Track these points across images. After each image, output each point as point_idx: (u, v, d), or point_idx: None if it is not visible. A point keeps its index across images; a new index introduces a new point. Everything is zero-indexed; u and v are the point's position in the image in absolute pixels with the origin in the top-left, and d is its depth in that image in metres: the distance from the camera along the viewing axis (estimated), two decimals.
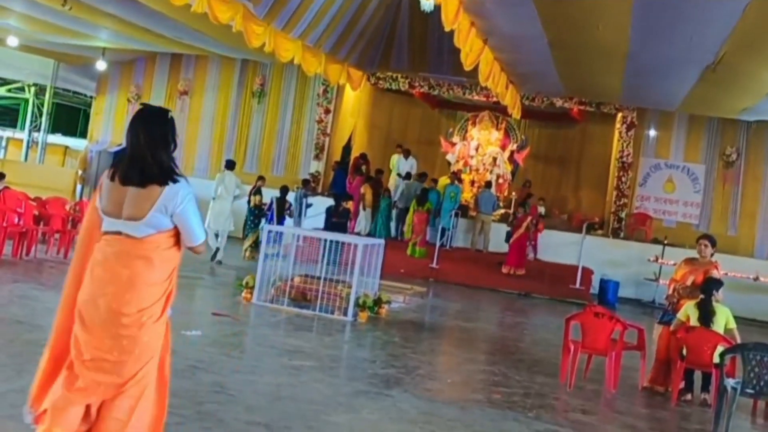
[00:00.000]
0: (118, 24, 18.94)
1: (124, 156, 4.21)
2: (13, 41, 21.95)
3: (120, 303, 4.05)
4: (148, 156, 4.10)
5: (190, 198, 4.21)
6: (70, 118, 32.16)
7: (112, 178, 4.19)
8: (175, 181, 4.13)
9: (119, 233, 4.13)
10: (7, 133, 33.63)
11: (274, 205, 18.62)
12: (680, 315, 9.28)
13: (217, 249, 17.11)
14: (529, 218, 19.61)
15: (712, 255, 9.86)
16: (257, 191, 18.87)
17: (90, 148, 26.68)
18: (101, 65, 24.54)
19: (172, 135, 4.24)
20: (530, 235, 19.95)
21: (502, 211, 22.35)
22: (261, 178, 19.44)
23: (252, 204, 18.60)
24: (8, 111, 33.52)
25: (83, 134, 28.39)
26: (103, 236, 4.19)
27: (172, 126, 4.27)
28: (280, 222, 18.10)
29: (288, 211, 18.93)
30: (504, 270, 19.37)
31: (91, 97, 27.29)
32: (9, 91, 30.83)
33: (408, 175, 22.37)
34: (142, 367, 4.17)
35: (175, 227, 4.21)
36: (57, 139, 31.48)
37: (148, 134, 4.15)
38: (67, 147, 32.00)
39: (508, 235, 19.84)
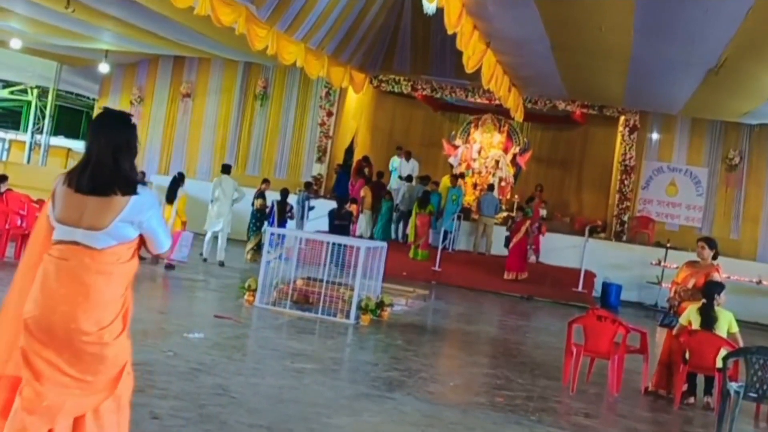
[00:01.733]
0: (121, 26, 18.96)
1: (83, 161, 3.93)
2: (16, 43, 21.99)
3: (79, 322, 3.72)
4: (110, 163, 3.84)
5: (157, 207, 4.03)
6: (73, 120, 32.24)
7: (69, 185, 3.88)
8: (137, 192, 3.87)
9: (75, 243, 3.80)
10: (10, 135, 33.69)
11: (275, 208, 18.64)
12: (682, 319, 9.26)
13: (215, 251, 17.26)
14: (528, 222, 19.50)
15: (715, 258, 9.85)
16: (260, 195, 18.93)
17: None
18: (104, 67, 24.56)
19: (134, 141, 3.99)
20: (530, 239, 19.85)
21: (505, 214, 22.32)
22: (265, 181, 19.50)
23: (255, 207, 18.75)
24: (11, 113, 33.57)
25: (85, 137, 28.43)
26: (54, 246, 3.84)
27: (135, 132, 4.03)
28: (281, 225, 18.11)
29: (289, 214, 18.94)
30: (506, 276, 19.29)
31: (93, 100, 27.36)
32: (12, 93, 30.91)
33: (409, 178, 22.36)
34: (115, 379, 3.88)
35: (137, 238, 3.96)
36: (59, 141, 31.53)
37: (111, 140, 3.88)
38: (69, 149, 32.10)
39: (507, 240, 19.80)
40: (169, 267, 15.32)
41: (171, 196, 16.01)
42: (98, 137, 3.92)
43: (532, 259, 20.14)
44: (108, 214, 3.80)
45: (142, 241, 4.02)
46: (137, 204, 3.85)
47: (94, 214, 3.80)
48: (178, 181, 16.25)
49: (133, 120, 4.09)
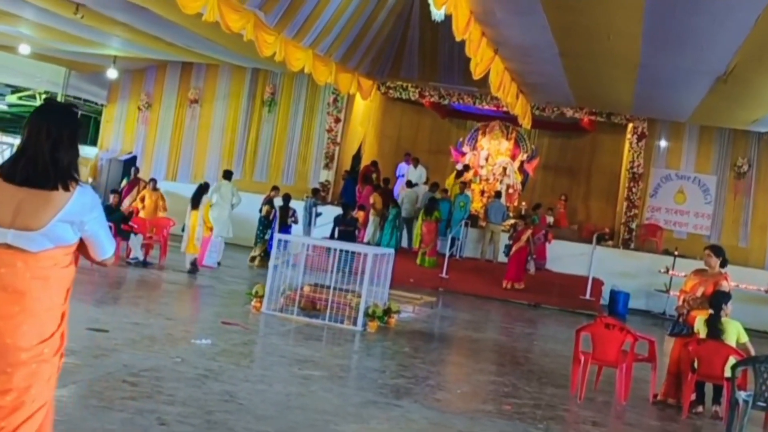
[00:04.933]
0: (130, 32, 19.00)
1: (17, 152, 3.52)
2: (24, 49, 22.04)
3: (15, 336, 3.31)
4: (48, 155, 3.44)
5: (100, 208, 3.61)
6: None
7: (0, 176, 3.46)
8: (77, 188, 3.47)
9: (6, 246, 3.34)
10: (18, 140, 33.72)
11: (278, 213, 18.70)
12: (696, 330, 9.22)
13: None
14: (529, 231, 19.40)
15: (723, 266, 9.79)
16: (268, 201, 18.98)
17: (100, 156, 26.76)
18: (112, 73, 24.60)
19: (76, 137, 3.59)
20: (531, 249, 19.70)
21: (512, 221, 22.27)
22: (275, 188, 19.60)
23: (262, 214, 18.81)
24: (19, 119, 33.55)
25: (93, 142, 28.45)
26: None
27: (78, 127, 3.64)
28: (284, 230, 18.12)
29: (292, 218, 18.98)
30: (504, 285, 19.22)
31: (101, 105, 27.35)
32: (20, 99, 30.91)
33: (409, 183, 22.34)
34: (35, 412, 3.42)
35: (76, 243, 3.54)
36: None
37: (50, 132, 3.47)
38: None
39: (508, 248, 19.74)
40: (193, 270, 15.63)
41: (196, 203, 16.05)
42: (37, 128, 3.50)
43: (532, 270, 19.86)
44: (46, 211, 3.38)
45: (81, 248, 3.62)
46: (79, 202, 3.46)
47: (29, 212, 3.37)
48: (203, 188, 16.30)
49: (78, 114, 3.70)
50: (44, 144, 3.45)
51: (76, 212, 3.44)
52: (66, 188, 3.42)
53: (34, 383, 3.37)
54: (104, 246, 3.65)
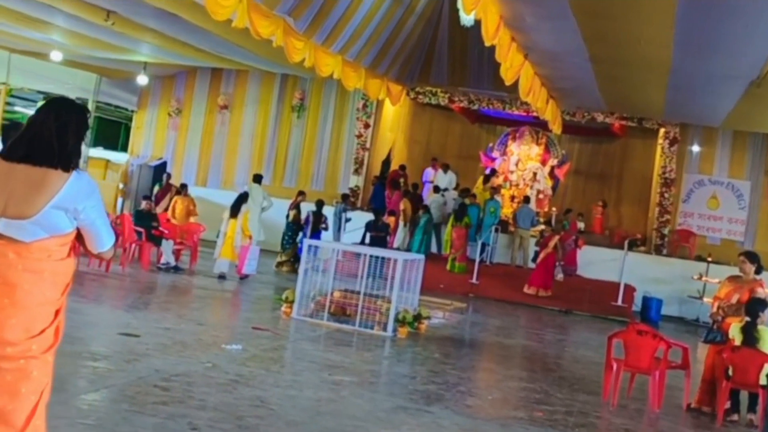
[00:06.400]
0: (160, 39, 19.10)
1: (20, 133, 3.41)
2: (56, 56, 22.21)
3: (2, 330, 3.20)
4: (53, 134, 3.33)
5: (98, 196, 3.45)
6: (112, 131, 32.49)
7: None
8: (75, 171, 3.36)
9: None
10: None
11: (310, 219, 18.71)
12: (731, 337, 9.10)
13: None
14: (557, 237, 19.24)
15: (758, 272, 9.66)
16: (295, 206, 18.99)
17: (131, 162, 26.93)
18: (142, 80, 24.73)
19: (84, 127, 3.48)
20: (559, 255, 19.59)
21: (542, 227, 22.13)
22: (301, 193, 19.60)
23: (289, 219, 18.80)
24: None
25: (124, 148, 28.66)
26: None
27: (86, 120, 3.54)
28: (315, 236, 18.13)
29: (324, 225, 18.99)
30: (527, 290, 19.08)
31: (132, 111, 27.54)
32: None
33: (436, 189, 22.30)
34: (35, 407, 3.31)
35: (72, 233, 3.41)
36: (98, 152, 31.78)
37: (63, 116, 3.40)
38: (108, 161, 32.40)
39: (536, 255, 19.63)
40: (244, 277, 15.89)
41: (235, 212, 16.06)
42: (45, 114, 3.43)
43: (560, 276, 19.69)
44: (39, 196, 3.24)
45: (79, 239, 3.49)
46: (75, 186, 3.32)
47: (22, 197, 3.23)
48: (243, 198, 16.32)
49: (88, 113, 3.65)
50: (51, 126, 3.36)
51: (71, 198, 3.30)
52: (66, 170, 3.31)
53: (24, 382, 3.26)
54: (102, 237, 3.52)
